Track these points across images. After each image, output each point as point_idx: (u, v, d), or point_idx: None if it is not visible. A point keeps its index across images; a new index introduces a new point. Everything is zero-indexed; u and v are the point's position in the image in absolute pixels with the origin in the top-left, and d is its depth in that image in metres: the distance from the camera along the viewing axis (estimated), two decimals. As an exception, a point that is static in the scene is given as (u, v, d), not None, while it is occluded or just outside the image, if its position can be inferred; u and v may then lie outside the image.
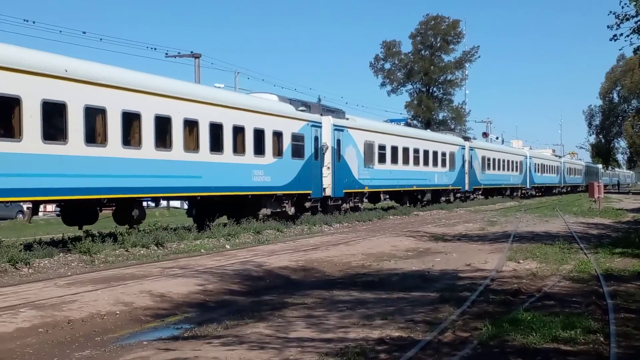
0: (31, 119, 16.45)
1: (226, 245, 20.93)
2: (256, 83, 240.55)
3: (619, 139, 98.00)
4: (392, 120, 47.04)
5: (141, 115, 20.04)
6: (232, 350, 8.38)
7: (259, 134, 25.91)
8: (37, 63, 16.91)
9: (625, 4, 21.37)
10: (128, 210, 21.08)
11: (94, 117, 18.53)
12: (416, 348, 8.16)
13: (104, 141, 18.75)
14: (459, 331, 9.11)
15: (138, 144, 20.04)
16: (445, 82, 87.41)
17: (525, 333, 8.63)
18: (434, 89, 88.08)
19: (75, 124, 17.75)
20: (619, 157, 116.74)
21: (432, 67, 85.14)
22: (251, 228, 24.05)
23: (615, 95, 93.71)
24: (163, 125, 21.03)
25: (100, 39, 55.13)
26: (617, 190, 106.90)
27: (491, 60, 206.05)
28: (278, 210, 28.08)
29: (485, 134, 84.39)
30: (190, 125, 22.31)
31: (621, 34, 22.62)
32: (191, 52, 44.72)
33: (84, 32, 40.81)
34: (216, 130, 23.53)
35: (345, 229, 28.50)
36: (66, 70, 17.70)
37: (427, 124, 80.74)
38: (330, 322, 9.93)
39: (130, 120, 19.72)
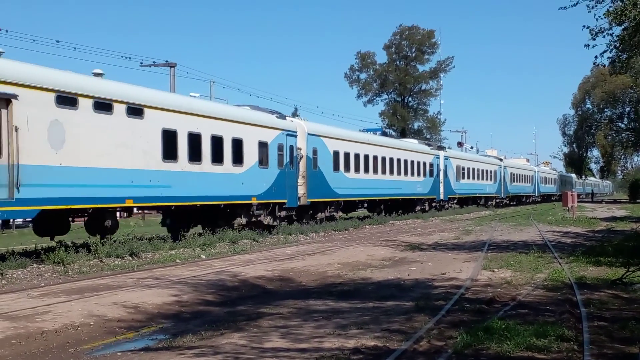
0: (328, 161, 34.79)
1: (202, 255, 20.84)
2: (232, 92, 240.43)
3: (592, 148, 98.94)
4: (367, 130, 47.58)
5: (394, 158, 42.74)
6: (207, 361, 8.35)
7: (413, 163, 46.52)
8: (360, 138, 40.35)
9: (599, 17, 21.46)
10: (378, 206, 42.78)
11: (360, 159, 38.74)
12: (391, 357, 8.17)
13: (377, 171, 40.42)
14: (434, 340, 9.14)
15: (385, 173, 41.35)
16: (420, 92, 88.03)
17: (499, 341, 8.67)
18: (409, 98, 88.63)
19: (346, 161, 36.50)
20: (592, 166, 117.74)
21: (406, 77, 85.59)
22: (227, 237, 23.99)
23: (588, 105, 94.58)
24: (395, 163, 43.15)
25: (74, 48, 54.96)
26: (591, 200, 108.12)
27: (466, 70, 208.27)
28: (423, 207, 48.80)
29: (460, 144, 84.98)
30: (398, 162, 43.57)
31: (601, 54, 22.89)
32: (166, 61, 44.63)
33: (58, 41, 40.54)
34: (399, 163, 43.78)
35: (321, 238, 28.50)
36: (368, 139, 41.26)
37: (402, 134, 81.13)
38: (305, 332, 9.92)
39: (393, 161, 42.64)
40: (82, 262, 17.59)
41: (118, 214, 23.19)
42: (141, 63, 44.53)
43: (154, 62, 44.95)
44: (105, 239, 19.85)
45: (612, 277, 14.84)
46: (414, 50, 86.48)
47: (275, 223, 29.05)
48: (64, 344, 9.59)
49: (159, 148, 21.56)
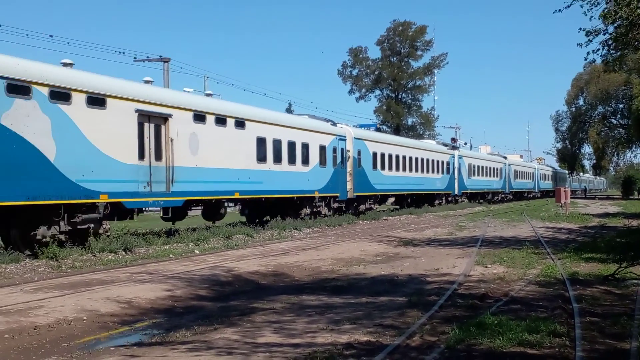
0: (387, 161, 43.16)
1: (195, 251, 20.83)
2: (226, 87, 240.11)
3: (585, 145, 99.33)
4: (362, 126, 47.86)
5: (418, 158, 48.24)
6: (200, 356, 8.34)
7: (434, 162, 52.42)
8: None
9: (593, 17, 21.53)
10: (405, 200, 48.76)
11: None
12: (384, 352, 8.18)
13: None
14: (427, 335, 9.15)
15: (411, 170, 47.34)
16: (414, 88, 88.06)
17: (492, 337, 8.68)
18: (403, 94, 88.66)
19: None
20: (585, 162, 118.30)
21: (400, 73, 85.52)
22: (220, 233, 24.01)
23: (581, 102, 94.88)
24: (419, 162, 49.10)
25: (68, 43, 54.30)
26: (584, 196, 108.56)
27: (460, 66, 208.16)
28: (440, 201, 55.07)
29: (453, 140, 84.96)
30: (421, 161, 49.47)
31: (594, 51, 22.92)
32: (160, 56, 44.44)
33: (51, 36, 40.62)
34: (422, 162, 49.67)
35: (315, 234, 28.51)
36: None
37: (397, 130, 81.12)
38: (298, 327, 9.93)
39: (417, 160, 48.59)
40: (75, 257, 17.57)
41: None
42: (135, 58, 44.44)
43: (147, 57, 44.86)
44: (214, 224, 26.53)
45: (604, 273, 14.85)
46: (407, 46, 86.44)
47: (329, 213, 35.13)
48: (57, 339, 9.58)
49: (254, 152, 27.47)
